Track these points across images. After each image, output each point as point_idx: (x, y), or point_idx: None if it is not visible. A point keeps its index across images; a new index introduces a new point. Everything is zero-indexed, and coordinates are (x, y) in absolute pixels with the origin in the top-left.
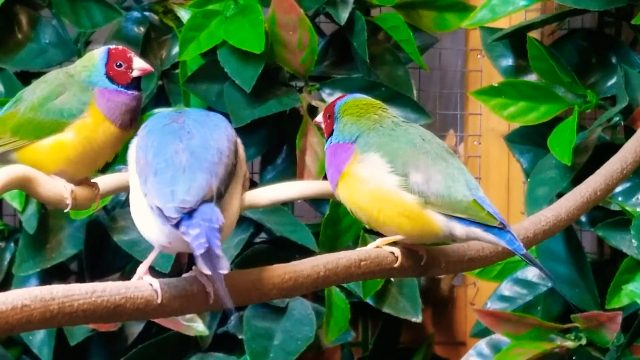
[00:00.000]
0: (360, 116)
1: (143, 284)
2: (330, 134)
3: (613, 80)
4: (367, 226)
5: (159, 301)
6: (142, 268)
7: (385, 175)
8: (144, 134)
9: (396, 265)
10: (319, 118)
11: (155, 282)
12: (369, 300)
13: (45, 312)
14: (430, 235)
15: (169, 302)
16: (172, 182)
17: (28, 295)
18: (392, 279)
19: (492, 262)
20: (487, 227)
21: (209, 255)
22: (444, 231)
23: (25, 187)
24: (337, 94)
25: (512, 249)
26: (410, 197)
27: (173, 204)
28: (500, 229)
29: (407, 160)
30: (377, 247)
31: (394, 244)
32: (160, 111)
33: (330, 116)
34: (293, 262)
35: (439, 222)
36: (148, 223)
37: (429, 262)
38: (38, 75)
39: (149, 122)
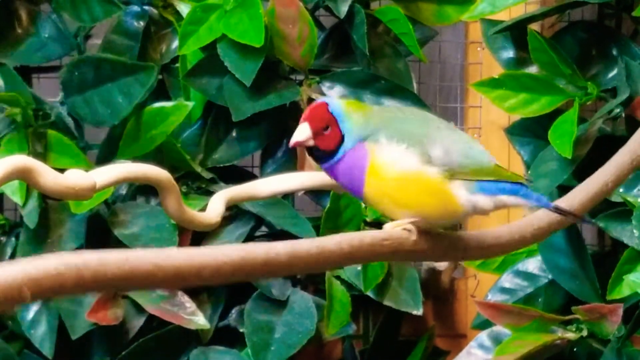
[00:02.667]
0: (365, 109)
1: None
2: (339, 143)
3: (614, 72)
4: (385, 217)
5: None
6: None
7: (406, 157)
8: None
9: (413, 239)
10: (303, 136)
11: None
12: (369, 293)
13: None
14: (450, 214)
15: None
16: None
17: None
18: (392, 272)
19: (509, 250)
20: (513, 189)
21: None
22: (465, 207)
23: (26, 178)
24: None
25: (543, 205)
26: (435, 173)
27: None
28: (526, 186)
29: (423, 138)
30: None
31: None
32: None
33: (330, 126)
34: (318, 238)
35: (462, 197)
36: None
37: (448, 246)
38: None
39: None
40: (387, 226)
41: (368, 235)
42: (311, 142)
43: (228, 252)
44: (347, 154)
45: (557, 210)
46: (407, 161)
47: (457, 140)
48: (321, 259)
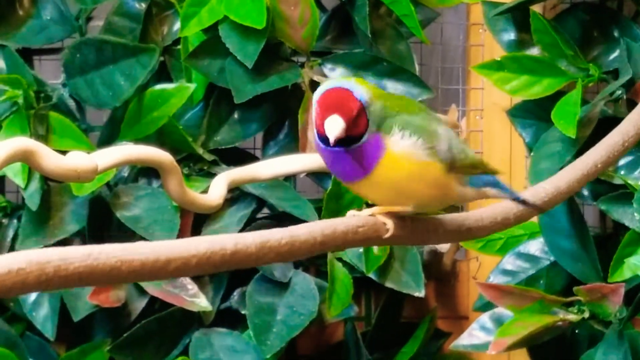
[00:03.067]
0: (377, 92)
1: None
2: (364, 130)
3: (615, 54)
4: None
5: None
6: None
7: (420, 149)
8: None
9: (387, 236)
10: (339, 131)
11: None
12: (371, 275)
13: (41, 275)
14: (444, 204)
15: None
16: None
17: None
18: (394, 254)
19: (490, 232)
20: (495, 182)
21: None
22: (457, 196)
23: (28, 160)
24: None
25: (514, 198)
26: (441, 166)
27: None
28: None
29: (430, 132)
30: (372, 215)
31: (389, 215)
32: None
33: (360, 114)
34: (290, 227)
35: (456, 188)
36: None
37: (425, 231)
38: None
39: None
40: (367, 212)
41: (341, 223)
42: (344, 134)
43: (195, 244)
44: (371, 141)
45: (524, 202)
46: (422, 153)
47: (453, 135)
48: (293, 249)
